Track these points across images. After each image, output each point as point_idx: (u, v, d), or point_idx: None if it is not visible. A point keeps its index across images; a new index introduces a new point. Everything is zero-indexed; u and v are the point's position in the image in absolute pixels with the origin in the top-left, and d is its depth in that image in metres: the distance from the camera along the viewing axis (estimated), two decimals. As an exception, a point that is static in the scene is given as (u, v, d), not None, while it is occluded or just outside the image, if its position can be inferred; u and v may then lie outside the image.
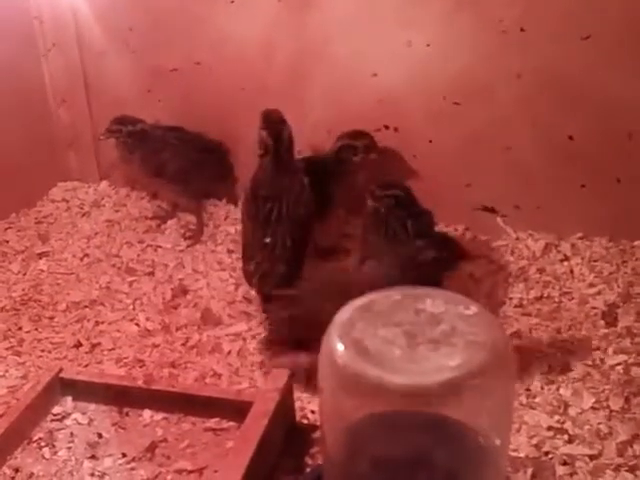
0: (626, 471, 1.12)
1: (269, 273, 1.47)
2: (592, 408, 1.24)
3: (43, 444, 1.22)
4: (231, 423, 1.23)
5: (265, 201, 1.49)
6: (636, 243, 1.64)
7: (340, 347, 0.80)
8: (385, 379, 0.77)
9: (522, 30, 1.55)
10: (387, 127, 1.73)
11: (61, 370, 1.30)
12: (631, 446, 1.16)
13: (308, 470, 1.14)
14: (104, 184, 2.04)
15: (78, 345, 1.47)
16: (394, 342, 0.81)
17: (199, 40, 1.79)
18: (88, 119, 1.99)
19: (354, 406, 0.82)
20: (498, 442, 0.83)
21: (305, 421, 1.25)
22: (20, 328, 1.53)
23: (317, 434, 1.20)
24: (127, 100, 1.90)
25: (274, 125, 1.49)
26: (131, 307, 1.58)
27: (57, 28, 1.90)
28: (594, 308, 1.47)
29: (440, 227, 1.75)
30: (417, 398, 0.78)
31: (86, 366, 1.41)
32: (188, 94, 1.86)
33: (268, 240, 1.47)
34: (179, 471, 1.16)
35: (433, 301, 0.86)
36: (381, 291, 0.88)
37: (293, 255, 1.48)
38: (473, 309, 0.85)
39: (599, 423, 1.21)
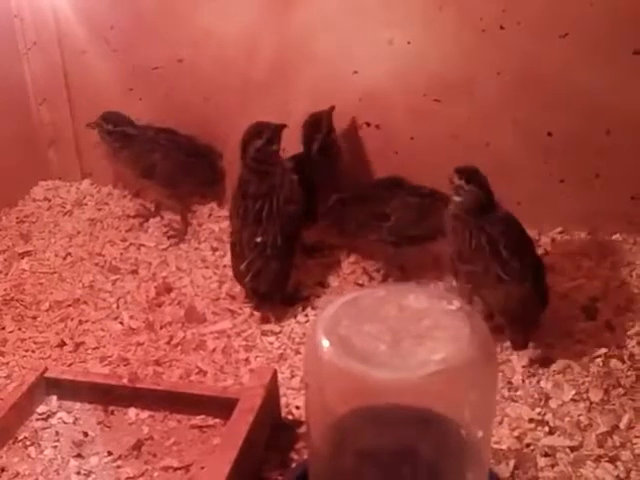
0: (606, 462, 1.14)
1: (261, 272, 1.47)
2: (572, 400, 1.26)
3: (28, 443, 1.22)
4: (217, 420, 1.24)
5: (255, 200, 1.50)
6: (615, 237, 1.67)
7: (325, 343, 0.81)
8: (370, 374, 0.78)
9: (501, 28, 1.57)
10: (369, 124, 1.74)
11: (46, 369, 1.29)
12: (611, 437, 1.18)
13: (294, 465, 1.15)
14: (86, 183, 2.03)
15: (62, 344, 1.47)
16: (379, 338, 0.82)
17: (181, 38, 1.79)
18: (69, 118, 1.98)
19: (339, 401, 0.83)
20: (481, 435, 0.84)
21: (290, 417, 1.26)
22: (3, 328, 1.52)
23: (302, 429, 1.21)
24: (108, 98, 1.90)
25: (245, 135, 1.51)
26: (115, 306, 1.58)
27: (38, 27, 1.89)
28: (574, 302, 1.49)
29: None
30: (402, 392, 0.79)
31: (70, 365, 1.41)
32: (170, 92, 1.86)
33: (259, 239, 1.47)
34: (165, 468, 1.17)
35: (416, 297, 0.87)
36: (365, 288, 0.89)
37: (284, 253, 1.49)
38: (456, 304, 0.86)
39: (579, 415, 1.23)
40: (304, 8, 1.68)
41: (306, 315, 1.51)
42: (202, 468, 1.15)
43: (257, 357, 1.41)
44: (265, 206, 1.48)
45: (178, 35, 1.79)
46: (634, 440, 1.17)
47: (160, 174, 1.80)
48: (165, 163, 1.80)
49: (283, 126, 1.54)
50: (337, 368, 0.80)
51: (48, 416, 1.27)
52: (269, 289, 1.50)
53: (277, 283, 1.50)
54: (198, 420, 1.25)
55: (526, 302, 1.33)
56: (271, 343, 1.44)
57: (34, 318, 1.55)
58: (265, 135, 1.51)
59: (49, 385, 1.29)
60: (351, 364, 0.79)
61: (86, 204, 1.96)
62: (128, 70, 1.87)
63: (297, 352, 1.41)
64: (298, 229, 1.54)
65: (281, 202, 1.49)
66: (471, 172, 1.37)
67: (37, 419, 1.27)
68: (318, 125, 1.65)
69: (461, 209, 1.37)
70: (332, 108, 1.66)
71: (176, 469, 1.16)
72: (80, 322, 1.53)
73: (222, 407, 1.20)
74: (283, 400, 1.27)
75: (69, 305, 1.58)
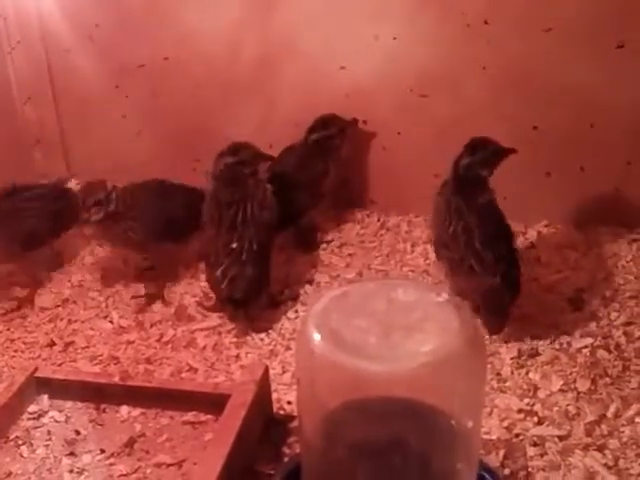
0: (594, 450, 1.15)
1: (238, 277, 1.45)
2: (560, 390, 1.27)
3: (20, 442, 1.22)
4: (209, 416, 1.24)
5: (229, 206, 1.49)
6: (600, 230, 1.68)
7: (316, 337, 0.82)
8: (361, 367, 0.79)
9: (486, 23, 1.58)
10: (356, 120, 1.75)
11: (36, 369, 1.29)
12: (599, 426, 1.20)
13: (286, 459, 1.16)
14: (72, 182, 2.02)
15: (52, 344, 1.46)
16: (369, 331, 0.82)
17: (166, 36, 1.79)
18: (54, 116, 1.97)
19: (331, 394, 0.84)
20: (470, 425, 0.85)
21: (282, 412, 1.26)
22: (-8, 329, 1.52)
23: (294, 424, 1.21)
24: (94, 97, 1.89)
25: (218, 156, 1.52)
26: (104, 305, 1.57)
27: (22, 25, 1.88)
28: (561, 294, 1.51)
29: (409, 217, 1.79)
30: (392, 384, 0.80)
31: (60, 365, 1.41)
32: (156, 90, 1.86)
33: (235, 245, 1.47)
34: (158, 465, 1.17)
35: (405, 290, 0.88)
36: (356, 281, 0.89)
37: (260, 258, 1.48)
38: (444, 296, 0.87)
39: (567, 405, 1.24)
40: (289, 4, 1.69)
41: (296, 311, 1.52)
42: (195, 464, 1.15)
43: (248, 353, 1.41)
44: (239, 212, 1.48)
45: (163, 33, 1.79)
46: (621, 428, 1.19)
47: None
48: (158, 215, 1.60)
49: (269, 158, 1.57)
50: (328, 361, 0.80)
51: (39, 415, 1.27)
52: (245, 295, 1.46)
53: (253, 289, 1.47)
54: (190, 416, 1.25)
55: (496, 294, 1.34)
56: (262, 339, 1.45)
57: (23, 318, 1.55)
58: (240, 156, 1.52)
59: (40, 385, 1.29)
60: (342, 357, 0.79)
61: (73, 203, 1.95)
62: (113, 68, 1.86)
63: (288, 348, 1.42)
64: (272, 236, 1.54)
65: (255, 209, 1.49)
66: (470, 142, 1.42)
67: (28, 418, 1.26)
68: (327, 123, 1.68)
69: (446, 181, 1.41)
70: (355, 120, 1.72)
71: (169, 465, 1.17)
72: (69, 322, 1.53)
73: (214, 403, 1.20)
74: (275, 396, 1.27)
75: (58, 305, 1.58)
